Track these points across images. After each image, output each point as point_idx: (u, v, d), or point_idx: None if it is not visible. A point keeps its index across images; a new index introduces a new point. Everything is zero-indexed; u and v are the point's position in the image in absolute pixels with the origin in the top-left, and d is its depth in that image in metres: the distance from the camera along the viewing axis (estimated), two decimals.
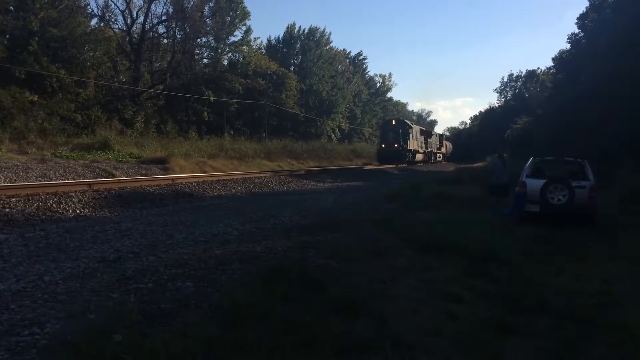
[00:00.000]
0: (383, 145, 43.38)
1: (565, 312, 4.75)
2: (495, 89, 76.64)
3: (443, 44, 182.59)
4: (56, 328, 3.63)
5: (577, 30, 31.53)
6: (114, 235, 7.49)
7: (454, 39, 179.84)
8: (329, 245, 6.94)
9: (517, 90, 69.70)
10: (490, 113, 71.11)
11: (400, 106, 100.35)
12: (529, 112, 44.79)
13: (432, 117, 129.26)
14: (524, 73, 69.40)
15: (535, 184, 10.55)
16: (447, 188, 16.44)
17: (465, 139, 77.30)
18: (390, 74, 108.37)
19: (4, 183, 12.97)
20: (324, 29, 70.24)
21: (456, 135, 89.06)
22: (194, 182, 15.58)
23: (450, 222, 9.41)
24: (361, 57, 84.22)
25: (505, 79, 72.05)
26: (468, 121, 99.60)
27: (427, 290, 5.24)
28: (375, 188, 18.58)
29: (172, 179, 15.67)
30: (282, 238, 7.39)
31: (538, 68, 69.71)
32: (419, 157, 47.42)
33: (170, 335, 3.54)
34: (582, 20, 30.75)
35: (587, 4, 30.51)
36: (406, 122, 45.84)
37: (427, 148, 52.41)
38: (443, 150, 64.00)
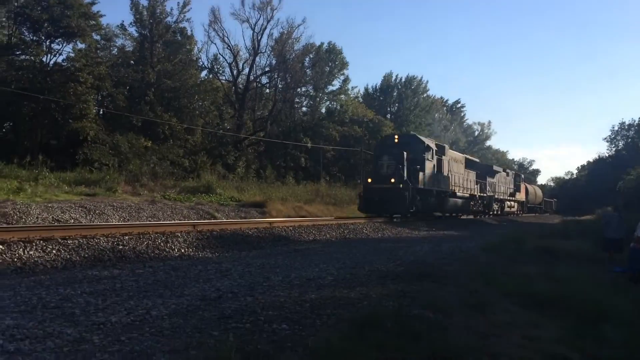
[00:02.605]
0: (369, 180, 24.24)
1: None
2: (605, 138, 71.85)
3: (547, 89, 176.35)
4: None
5: None
6: (215, 274, 7.78)
7: (560, 83, 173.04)
8: (424, 295, 6.75)
9: (629, 140, 65.28)
10: (599, 163, 66.90)
11: (500, 154, 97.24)
12: None
13: (534, 167, 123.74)
14: (637, 121, 65.00)
15: None
16: (552, 242, 15.54)
17: (572, 190, 72.83)
18: (489, 122, 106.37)
19: (119, 222, 13.99)
20: (421, 77, 70.53)
21: (561, 185, 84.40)
22: (290, 227, 15.91)
23: (557, 277, 8.85)
24: (459, 105, 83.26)
25: (617, 127, 67.91)
26: (575, 171, 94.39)
27: (532, 349, 4.92)
28: (472, 238, 17.94)
29: (270, 222, 16.11)
30: (377, 285, 7.30)
31: None
32: (457, 202, 29.63)
33: None
34: None
35: None
36: (421, 139, 26.19)
37: (481, 191, 34.29)
38: (520, 196, 47.34)
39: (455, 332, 5.13)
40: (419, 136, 27.23)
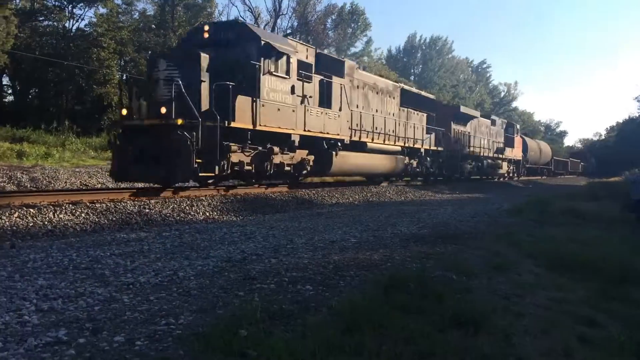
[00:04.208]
0: (124, 113, 12.50)
1: None
2: (636, 97, 69.74)
3: (576, 49, 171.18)
4: (189, 320, 3.90)
5: None
6: (239, 237, 7.89)
7: (588, 44, 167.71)
8: (447, 257, 6.76)
9: None
10: (629, 124, 65.09)
11: (526, 116, 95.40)
12: None
13: (561, 128, 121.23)
14: None
15: None
16: (579, 204, 15.33)
17: (600, 152, 70.20)
18: (515, 82, 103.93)
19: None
20: (446, 38, 69.06)
21: (589, 147, 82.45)
22: (313, 190, 15.95)
23: (583, 240, 8.75)
24: (485, 66, 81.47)
25: None
26: (603, 132, 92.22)
27: (557, 311, 4.91)
28: (497, 201, 17.80)
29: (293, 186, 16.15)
30: (400, 248, 7.32)
31: None
32: (373, 162, 18.88)
33: (291, 335, 3.66)
34: None
35: None
36: (255, 34, 13.41)
37: (436, 144, 23.95)
38: (513, 154, 36.44)
39: (478, 294, 5.14)
40: (253, 28, 14.23)
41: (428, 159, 23.73)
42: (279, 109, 13.58)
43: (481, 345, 3.78)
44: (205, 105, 11.79)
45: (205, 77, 11.93)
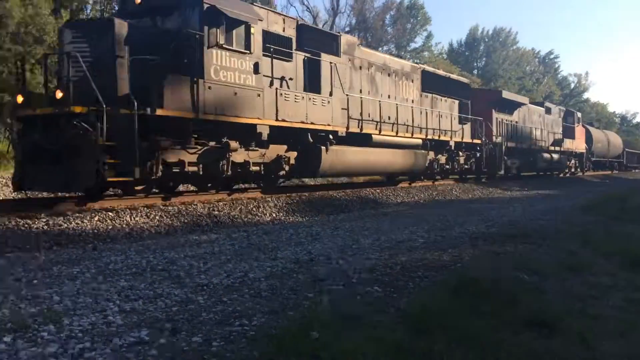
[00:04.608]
0: (20, 100, 9.61)
1: None
2: None
3: None
4: (261, 321, 4.01)
5: None
6: (306, 238, 8.01)
7: None
8: (519, 257, 6.59)
9: None
10: None
11: (600, 107, 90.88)
12: None
13: (638, 119, 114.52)
14: None
15: None
16: None
17: None
18: (587, 73, 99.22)
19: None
20: (510, 29, 66.85)
21: None
22: (378, 190, 15.92)
23: None
24: (552, 56, 78.29)
25: None
26: None
27: (635, 312, 4.69)
28: (570, 197, 17.12)
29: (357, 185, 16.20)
30: (469, 247, 7.21)
31: None
32: (379, 159, 15.54)
33: (361, 337, 3.69)
34: None
35: None
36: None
37: (472, 135, 20.87)
38: (575, 145, 32.12)
39: (552, 295, 4.99)
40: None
41: (460, 153, 20.27)
42: (235, 93, 10.72)
43: (556, 349, 3.68)
44: (124, 88, 9.39)
45: (122, 51, 9.47)
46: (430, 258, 6.39)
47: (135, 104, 8.96)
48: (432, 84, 18.49)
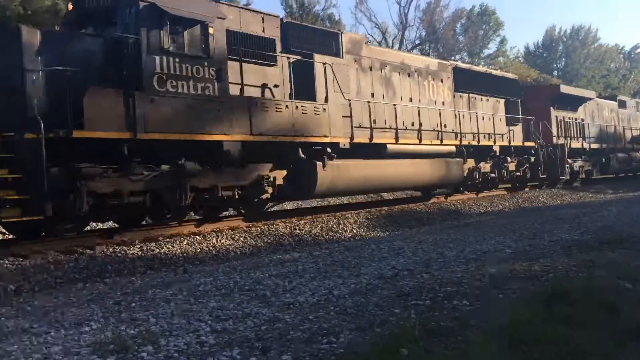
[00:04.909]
0: None
1: None
2: None
3: None
4: (349, 338, 3.99)
5: None
6: (389, 253, 7.93)
7: None
8: (616, 264, 6.18)
9: None
10: None
11: None
12: None
13: None
14: None
15: None
16: None
17: None
18: None
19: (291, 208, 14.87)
20: (589, 26, 63.58)
21: None
22: (459, 200, 15.54)
23: None
24: (638, 50, 73.54)
25: None
26: None
27: None
28: None
29: (437, 197, 15.90)
30: (562, 256, 6.84)
31: None
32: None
33: (452, 353, 3.58)
34: None
35: None
36: None
37: (526, 137, 19.02)
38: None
39: None
40: None
41: (509, 159, 17.62)
42: (191, 105, 9.12)
43: None
44: (38, 107, 7.71)
45: (33, 63, 7.95)
46: (520, 269, 6.12)
47: (42, 126, 7.39)
48: (468, 82, 16.40)
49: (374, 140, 12.68)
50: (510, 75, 21.04)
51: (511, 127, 17.85)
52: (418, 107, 14.07)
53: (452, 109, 15.36)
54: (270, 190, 10.61)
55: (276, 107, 10.46)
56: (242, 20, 10.49)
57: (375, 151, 12.72)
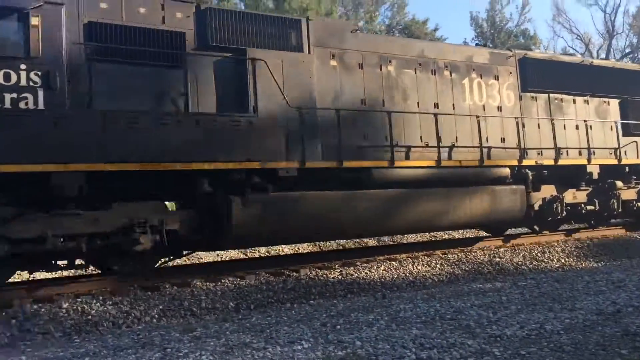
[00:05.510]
0: None
1: None
2: None
3: None
4: None
5: None
6: (607, 286, 7.12)
7: None
8: None
9: None
10: None
11: None
12: None
13: None
14: None
15: None
16: None
17: None
18: None
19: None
20: None
21: None
22: None
23: None
24: None
25: None
26: None
27: None
28: None
29: None
30: None
31: None
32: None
33: None
34: None
35: None
36: None
37: None
38: None
39: None
40: None
41: (619, 184, 12.12)
42: None
43: None
44: None
45: None
46: None
47: None
48: (548, 77, 11.67)
49: (349, 164, 9.05)
50: (628, 65, 15.54)
51: (634, 138, 12.81)
52: (435, 115, 10.01)
53: (513, 116, 11.03)
54: (144, 241, 7.51)
55: (154, 123, 7.53)
56: (125, 8, 7.85)
57: (356, 179, 9.15)
